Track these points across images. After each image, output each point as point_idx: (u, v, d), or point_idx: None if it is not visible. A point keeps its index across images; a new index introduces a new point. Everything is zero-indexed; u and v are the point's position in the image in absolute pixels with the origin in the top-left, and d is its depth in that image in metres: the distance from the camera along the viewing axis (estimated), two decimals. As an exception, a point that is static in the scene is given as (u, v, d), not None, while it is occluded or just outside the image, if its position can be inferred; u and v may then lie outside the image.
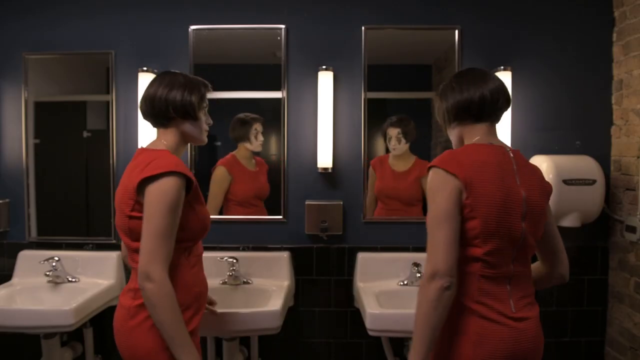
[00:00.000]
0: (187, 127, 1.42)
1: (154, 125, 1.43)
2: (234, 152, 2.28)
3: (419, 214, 2.25)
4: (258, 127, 2.25)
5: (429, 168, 1.23)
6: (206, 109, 1.48)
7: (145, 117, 1.42)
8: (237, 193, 2.26)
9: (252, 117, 2.25)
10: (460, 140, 1.33)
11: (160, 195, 1.25)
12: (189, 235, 1.36)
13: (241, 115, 2.26)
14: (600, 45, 2.21)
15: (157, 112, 1.38)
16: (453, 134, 1.34)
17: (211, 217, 2.26)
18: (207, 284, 1.50)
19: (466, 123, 1.29)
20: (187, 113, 1.39)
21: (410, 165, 2.26)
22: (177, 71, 1.46)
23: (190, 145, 2.25)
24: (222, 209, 2.29)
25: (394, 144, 2.25)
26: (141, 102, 1.41)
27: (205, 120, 1.47)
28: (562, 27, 2.22)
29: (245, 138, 2.25)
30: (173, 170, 1.27)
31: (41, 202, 2.29)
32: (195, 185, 1.35)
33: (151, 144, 1.42)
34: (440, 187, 1.19)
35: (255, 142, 2.25)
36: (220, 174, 2.26)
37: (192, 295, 1.37)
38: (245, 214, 2.27)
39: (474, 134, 1.29)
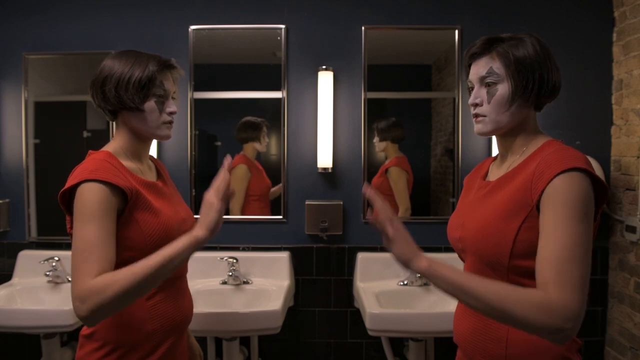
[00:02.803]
0: (134, 120, 1.16)
1: (108, 119, 1.22)
2: (243, 152, 2.29)
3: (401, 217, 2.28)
4: (265, 129, 2.28)
5: (562, 171, 0.93)
6: (164, 95, 1.18)
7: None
8: (256, 189, 2.30)
9: (260, 119, 2.29)
10: (514, 127, 1.06)
11: (76, 206, 1.05)
12: (137, 256, 1.08)
13: (250, 118, 2.28)
14: (600, 45, 2.21)
15: (98, 103, 1.17)
16: (517, 114, 1.04)
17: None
18: (185, 313, 1.24)
19: (532, 107, 1.06)
20: (124, 104, 1.13)
21: (388, 161, 2.29)
22: (130, 49, 1.21)
23: (191, 146, 2.25)
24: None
25: (375, 140, 2.28)
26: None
27: (162, 110, 1.17)
28: (562, 27, 2.22)
29: (256, 139, 2.28)
30: (87, 178, 1.04)
31: (41, 202, 2.29)
32: (134, 192, 1.10)
33: (105, 145, 1.20)
34: (591, 199, 0.93)
35: (264, 142, 2.28)
36: (242, 172, 2.29)
37: (141, 334, 1.12)
38: (262, 209, 2.30)
39: (536, 125, 1.08)
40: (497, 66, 1.03)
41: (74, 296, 0.98)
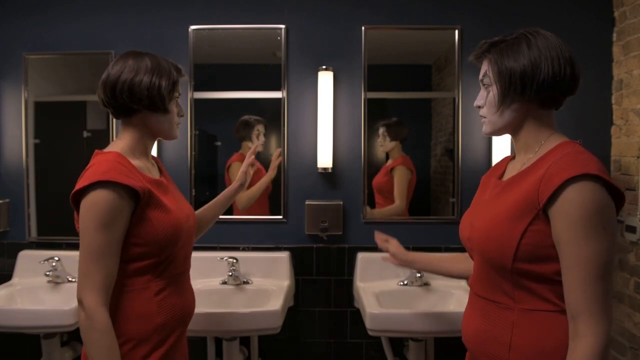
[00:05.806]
0: (155, 120, 1.22)
1: (115, 117, 1.24)
2: (241, 151, 2.29)
3: (393, 210, 2.28)
4: (260, 128, 2.27)
5: (572, 177, 0.90)
6: (178, 99, 1.28)
7: (104, 106, 1.22)
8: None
9: (255, 119, 2.28)
10: (515, 127, 1.06)
11: (88, 211, 1.09)
12: (149, 251, 1.16)
13: (246, 117, 2.28)
14: (600, 45, 2.21)
15: (119, 102, 1.19)
16: (510, 114, 1.04)
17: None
18: (189, 307, 1.30)
19: (537, 105, 1.04)
20: (155, 105, 1.19)
21: (393, 160, 2.29)
22: (143, 51, 1.25)
23: (191, 146, 2.25)
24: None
25: (380, 141, 2.28)
26: (99, 87, 1.20)
27: (177, 112, 1.27)
28: (562, 27, 2.20)
29: (248, 138, 2.28)
30: (100, 180, 1.08)
31: (41, 202, 2.29)
32: (147, 192, 1.15)
33: (111, 143, 1.24)
34: (608, 208, 0.91)
35: (256, 141, 2.27)
36: (238, 169, 2.28)
37: (150, 327, 1.17)
38: (262, 209, 2.29)
39: (550, 123, 1.08)
40: (488, 70, 1.06)
41: (77, 296, 1.09)
